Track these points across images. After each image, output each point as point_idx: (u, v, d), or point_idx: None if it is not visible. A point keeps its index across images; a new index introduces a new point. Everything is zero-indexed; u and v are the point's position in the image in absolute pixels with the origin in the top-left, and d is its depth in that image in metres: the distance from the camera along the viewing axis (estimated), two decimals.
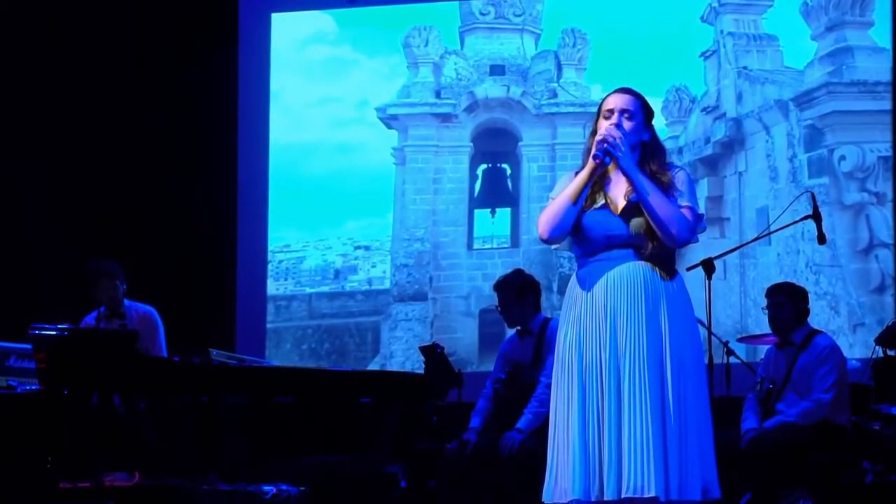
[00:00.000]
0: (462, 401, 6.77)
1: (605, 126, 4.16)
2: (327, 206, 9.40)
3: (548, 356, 6.12)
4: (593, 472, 4.00)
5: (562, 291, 5.50)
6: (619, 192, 4.20)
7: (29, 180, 8.86)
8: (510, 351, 6.76)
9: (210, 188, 9.19)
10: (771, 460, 6.08)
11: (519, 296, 6.60)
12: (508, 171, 9.27)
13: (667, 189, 4.15)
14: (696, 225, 4.18)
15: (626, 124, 4.20)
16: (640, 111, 4.24)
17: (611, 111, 4.22)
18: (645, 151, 4.23)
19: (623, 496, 3.95)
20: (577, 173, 4.24)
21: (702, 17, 8.85)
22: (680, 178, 4.20)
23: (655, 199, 4.08)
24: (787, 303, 6.49)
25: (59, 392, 5.78)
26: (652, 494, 3.93)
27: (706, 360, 4.53)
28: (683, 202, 4.15)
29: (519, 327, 6.71)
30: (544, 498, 4.13)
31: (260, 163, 9.39)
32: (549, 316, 6.69)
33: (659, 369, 4.03)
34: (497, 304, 6.70)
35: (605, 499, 3.97)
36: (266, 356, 9.00)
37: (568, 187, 4.19)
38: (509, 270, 6.90)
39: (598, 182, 4.21)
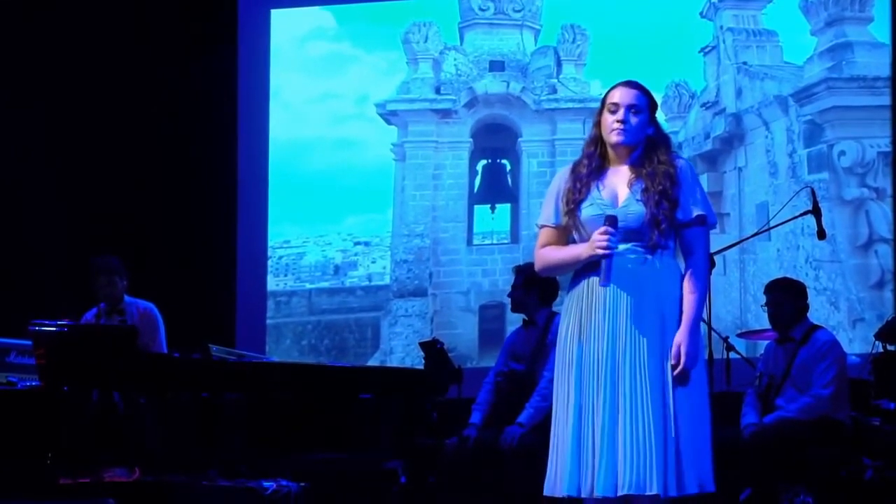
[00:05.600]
0: (462, 396, 6.77)
1: (594, 240, 4.08)
2: (327, 202, 9.40)
3: (551, 350, 6.10)
4: (585, 468, 3.99)
5: (564, 287, 5.49)
6: (618, 183, 4.19)
7: (29, 176, 8.86)
8: (515, 342, 6.79)
9: (210, 184, 9.19)
10: (770, 456, 6.09)
11: (526, 283, 6.61)
12: (508, 167, 9.26)
13: (672, 186, 4.13)
14: (708, 260, 4.25)
15: (633, 119, 4.18)
16: (647, 107, 4.21)
17: (616, 105, 4.19)
18: (649, 144, 4.22)
19: (621, 493, 3.94)
20: (573, 169, 4.23)
21: (701, 13, 8.85)
22: (687, 179, 4.16)
23: (700, 304, 4.15)
24: (785, 300, 6.49)
25: (58, 388, 5.78)
26: (654, 492, 3.92)
27: (706, 355, 4.52)
28: (697, 211, 4.15)
29: (524, 317, 6.73)
30: (545, 491, 4.12)
31: (260, 159, 9.39)
32: (556, 311, 6.68)
33: (659, 363, 4.02)
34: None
35: (597, 495, 3.95)
36: (266, 352, 9.00)
37: (567, 256, 4.19)
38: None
39: (595, 174, 4.21)
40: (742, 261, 8.53)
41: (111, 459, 5.87)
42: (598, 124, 4.24)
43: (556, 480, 4.05)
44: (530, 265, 6.46)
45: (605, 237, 4.04)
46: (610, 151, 4.24)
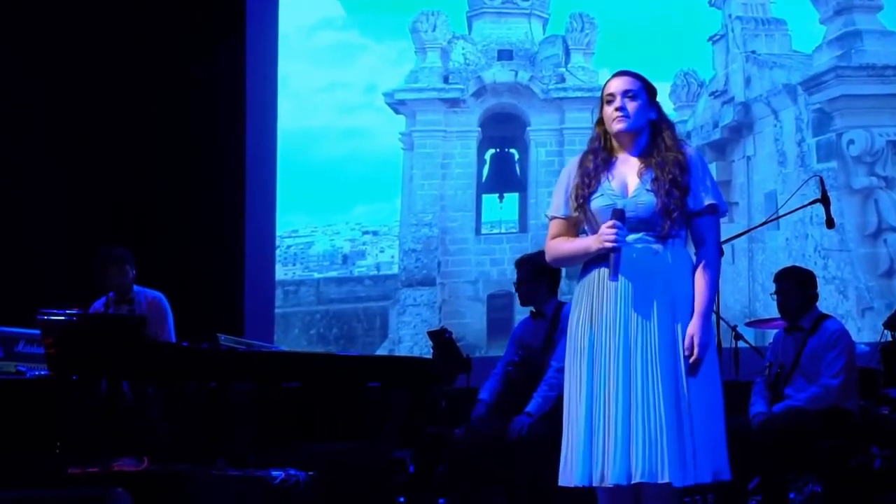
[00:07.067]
0: (470, 386, 6.76)
1: (602, 233, 4.09)
2: (335, 192, 9.41)
3: (560, 340, 6.10)
4: (597, 457, 3.99)
5: (570, 276, 5.48)
6: (628, 173, 4.18)
7: (37, 166, 8.86)
8: (523, 334, 6.76)
9: (218, 174, 9.19)
10: (779, 445, 6.08)
11: (534, 275, 6.56)
12: (516, 156, 9.26)
13: (682, 174, 4.12)
14: (719, 250, 4.24)
15: (630, 105, 4.18)
16: (643, 90, 4.21)
17: (612, 95, 4.20)
18: (654, 130, 4.22)
19: (634, 481, 3.94)
20: (580, 163, 4.22)
21: (710, 2, 8.84)
22: (697, 167, 4.16)
23: (712, 294, 4.13)
24: (795, 289, 6.47)
25: (67, 378, 5.79)
26: (666, 480, 3.92)
27: (715, 344, 4.51)
28: (708, 200, 4.15)
29: (532, 308, 6.70)
30: (560, 482, 4.12)
31: (268, 148, 9.39)
32: (563, 300, 6.66)
33: (671, 352, 4.02)
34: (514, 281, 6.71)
35: (609, 483, 3.96)
36: (274, 341, 9.01)
37: (576, 248, 4.19)
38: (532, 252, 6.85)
39: (602, 166, 4.21)
40: (751, 250, 8.53)
41: (120, 449, 5.87)
42: (600, 121, 4.26)
43: (570, 470, 4.05)
44: (532, 256, 6.50)
45: (613, 231, 4.04)
46: (615, 142, 4.24)
